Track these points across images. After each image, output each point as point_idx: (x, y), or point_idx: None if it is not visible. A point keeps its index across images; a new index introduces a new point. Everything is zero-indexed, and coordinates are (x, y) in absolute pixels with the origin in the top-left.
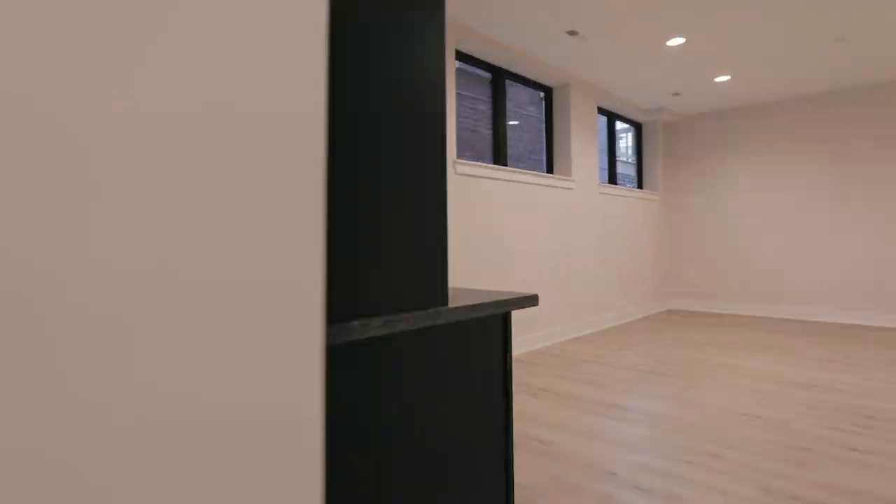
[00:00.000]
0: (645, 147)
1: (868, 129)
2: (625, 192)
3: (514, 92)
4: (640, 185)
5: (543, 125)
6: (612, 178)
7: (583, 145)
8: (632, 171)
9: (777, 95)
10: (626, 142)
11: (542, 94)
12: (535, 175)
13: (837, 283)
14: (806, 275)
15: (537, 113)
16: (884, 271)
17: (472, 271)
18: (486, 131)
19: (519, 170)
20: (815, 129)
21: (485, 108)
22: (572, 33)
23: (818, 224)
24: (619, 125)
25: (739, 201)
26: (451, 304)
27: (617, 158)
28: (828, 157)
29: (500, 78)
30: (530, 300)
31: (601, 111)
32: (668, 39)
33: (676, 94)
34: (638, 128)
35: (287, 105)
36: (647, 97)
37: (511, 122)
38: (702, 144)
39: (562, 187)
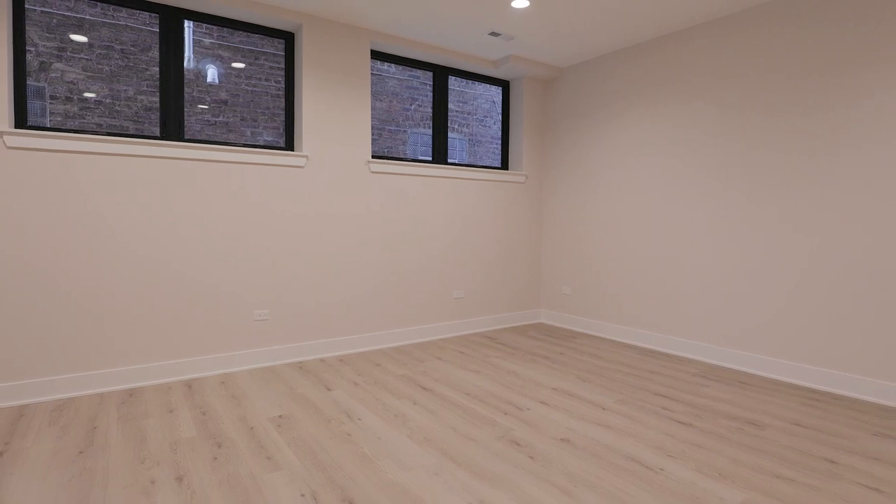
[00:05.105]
0: (512, 113)
1: (784, 56)
2: (445, 172)
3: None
4: (504, 164)
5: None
6: (441, 155)
7: (339, 107)
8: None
9: (658, 29)
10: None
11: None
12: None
13: (771, 314)
14: (715, 293)
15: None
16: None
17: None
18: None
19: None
20: (708, 64)
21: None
22: None
23: (713, 214)
24: (480, 87)
25: (621, 184)
26: None
27: (451, 127)
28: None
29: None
30: None
31: (417, 64)
32: None
33: (495, 35)
34: (506, 88)
35: None
36: (459, 39)
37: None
38: (572, 105)
39: (288, 165)
